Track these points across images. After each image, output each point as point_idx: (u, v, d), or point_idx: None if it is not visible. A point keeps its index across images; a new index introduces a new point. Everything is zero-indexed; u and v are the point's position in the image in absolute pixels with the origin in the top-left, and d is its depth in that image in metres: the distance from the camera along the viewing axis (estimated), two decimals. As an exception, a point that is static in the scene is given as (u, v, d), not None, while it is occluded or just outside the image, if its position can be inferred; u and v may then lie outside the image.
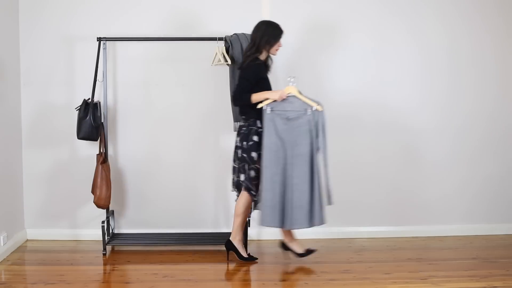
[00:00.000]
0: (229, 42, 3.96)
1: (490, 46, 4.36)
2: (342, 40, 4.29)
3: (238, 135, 3.76)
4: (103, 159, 4.01)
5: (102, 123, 4.03)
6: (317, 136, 3.58)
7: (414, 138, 4.37)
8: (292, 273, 3.62)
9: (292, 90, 3.60)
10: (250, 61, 3.65)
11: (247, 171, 3.68)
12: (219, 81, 4.18)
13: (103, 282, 3.48)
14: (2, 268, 3.68)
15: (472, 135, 4.40)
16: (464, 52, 4.35)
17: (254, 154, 3.64)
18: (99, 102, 4.03)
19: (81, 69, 4.18)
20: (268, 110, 3.59)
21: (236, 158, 3.77)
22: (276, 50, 3.70)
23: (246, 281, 3.55)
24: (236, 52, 3.94)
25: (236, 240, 3.79)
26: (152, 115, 4.27)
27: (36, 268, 3.74)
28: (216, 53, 3.92)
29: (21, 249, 4.09)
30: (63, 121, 4.19)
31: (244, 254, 3.80)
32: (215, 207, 4.34)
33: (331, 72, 4.32)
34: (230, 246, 3.80)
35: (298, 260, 3.79)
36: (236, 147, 3.75)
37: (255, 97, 3.59)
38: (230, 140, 4.21)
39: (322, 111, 3.59)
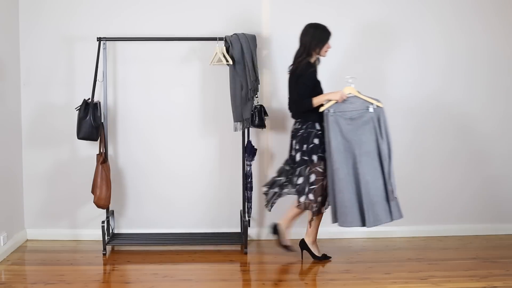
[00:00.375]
0: (229, 42, 3.96)
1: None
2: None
3: (293, 137, 3.74)
4: (103, 159, 4.01)
5: (102, 123, 4.03)
6: (380, 132, 3.59)
7: (415, 137, 4.37)
8: (292, 273, 3.62)
9: (351, 90, 3.61)
10: (303, 66, 3.64)
11: (307, 174, 3.65)
12: (219, 81, 4.19)
13: (103, 282, 3.48)
14: (2, 268, 3.68)
15: (472, 134, 4.40)
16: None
17: (314, 157, 3.63)
18: (99, 102, 4.02)
19: (81, 69, 4.18)
20: (331, 112, 3.59)
21: (290, 160, 3.77)
22: (326, 51, 3.70)
23: (246, 281, 3.55)
24: (236, 52, 3.94)
25: (282, 226, 3.80)
26: (152, 115, 4.27)
27: (36, 268, 3.74)
28: (216, 53, 3.92)
29: (21, 249, 4.09)
30: (63, 121, 4.19)
31: (284, 242, 3.82)
32: (215, 207, 4.33)
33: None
34: (276, 231, 3.82)
35: (298, 260, 3.81)
36: (294, 150, 3.73)
37: (316, 100, 3.59)
38: (230, 140, 4.22)
39: (382, 107, 3.60)
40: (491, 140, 4.41)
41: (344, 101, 3.58)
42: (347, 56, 4.30)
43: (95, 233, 4.14)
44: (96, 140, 3.99)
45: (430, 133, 4.37)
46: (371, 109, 3.58)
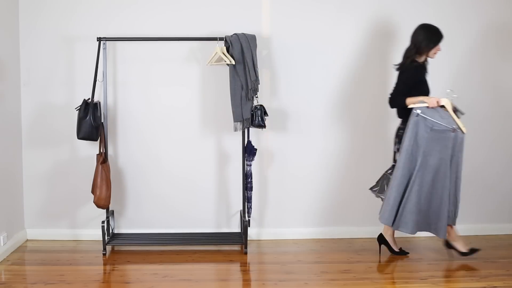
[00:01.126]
0: (229, 42, 3.96)
1: None
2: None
3: (396, 136, 3.81)
4: (103, 159, 4.01)
5: (102, 123, 4.03)
6: (452, 155, 3.62)
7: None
8: (292, 273, 3.62)
9: (447, 104, 3.60)
10: (409, 63, 3.69)
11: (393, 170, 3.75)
12: (219, 81, 4.19)
13: (103, 282, 3.48)
14: (2, 268, 3.68)
15: (473, 133, 4.39)
16: None
17: None
18: (99, 102, 4.02)
19: (81, 69, 4.18)
20: (416, 114, 3.59)
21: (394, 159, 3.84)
22: (435, 53, 3.73)
23: (246, 281, 3.55)
24: (236, 52, 3.93)
25: (387, 235, 3.88)
26: (152, 115, 4.27)
27: (36, 268, 3.74)
28: (216, 52, 3.92)
29: (21, 249, 4.09)
30: (63, 121, 4.19)
31: (395, 249, 3.88)
32: (215, 207, 4.33)
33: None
34: (382, 240, 3.91)
35: (298, 260, 3.79)
36: (395, 148, 3.81)
37: (410, 100, 3.62)
38: (230, 140, 4.22)
39: (465, 134, 3.63)
40: (491, 139, 4.42)
41: (435, 109, 3.58)
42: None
43: (95, 233, 4.14)
44: (96, 140, 3.99)
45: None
46: (453, 130, 3.58)
